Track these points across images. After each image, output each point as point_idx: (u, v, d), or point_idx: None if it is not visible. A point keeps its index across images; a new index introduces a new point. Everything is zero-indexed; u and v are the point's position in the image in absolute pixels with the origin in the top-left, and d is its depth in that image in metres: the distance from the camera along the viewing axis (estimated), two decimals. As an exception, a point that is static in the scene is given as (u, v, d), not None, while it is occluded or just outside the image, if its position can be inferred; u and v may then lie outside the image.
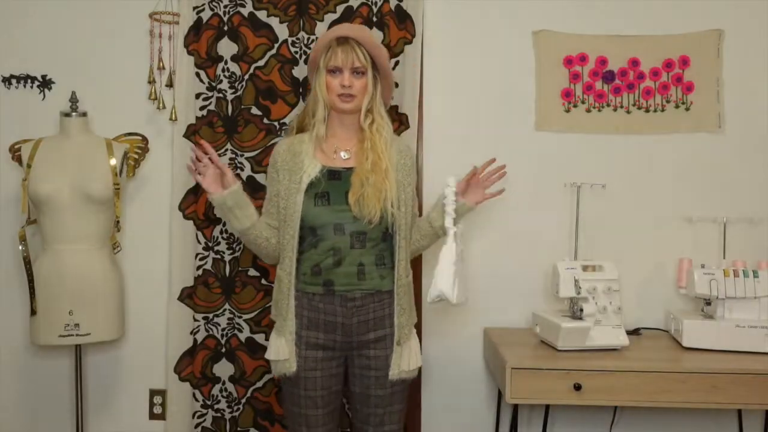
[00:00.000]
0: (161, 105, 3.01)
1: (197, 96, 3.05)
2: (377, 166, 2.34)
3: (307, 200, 2.33)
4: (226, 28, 3.04)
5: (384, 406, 2.39)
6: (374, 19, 3.03)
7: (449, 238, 2.41)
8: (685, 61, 3.09)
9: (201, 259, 3.07)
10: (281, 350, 2.36)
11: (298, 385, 2.36)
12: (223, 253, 3.07)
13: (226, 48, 3.04)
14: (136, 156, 2.96)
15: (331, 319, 2.34)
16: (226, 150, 3.06)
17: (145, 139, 2.99)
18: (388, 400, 2.39)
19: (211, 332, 3.08)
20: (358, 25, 2.76)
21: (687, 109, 3.11)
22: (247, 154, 3.05)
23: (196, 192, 3.06)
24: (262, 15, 3.05)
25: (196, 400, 3.09)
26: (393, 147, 2.42)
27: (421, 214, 2.67)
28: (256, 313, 3.07)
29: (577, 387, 2.59)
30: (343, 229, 2.32)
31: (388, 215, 2.33)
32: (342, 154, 2.40)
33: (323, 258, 2.33)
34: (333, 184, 2.35)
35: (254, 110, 3.05)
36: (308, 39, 3.03)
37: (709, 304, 2.88)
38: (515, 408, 2.90)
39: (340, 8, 3.04)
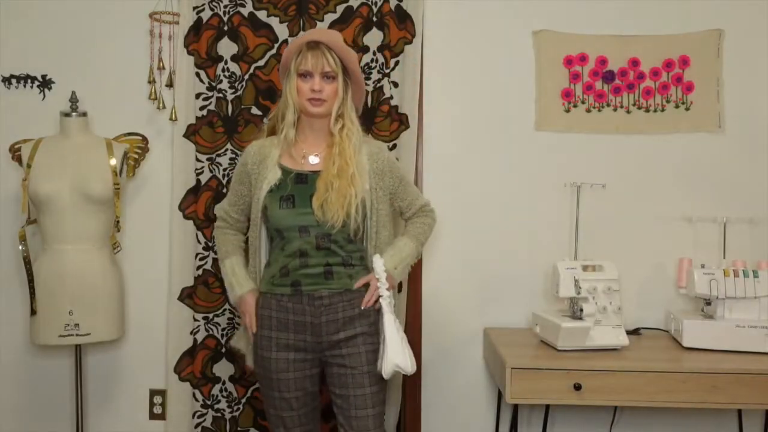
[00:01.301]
0: (161, 105, 3.01)
1: (197, 96, 3.05)
2: (343, 172, 2.35)
3: (273, 203, 2.37)
4: (226, 28, 3.04)
5: (366, 407, 2.36)
6: (374, 19, 3.03)
7: (385, 309, 2.38)
8: (685, 61, 3.09)
9: (201, 259, 3.07)
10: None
11: (272, 387, 2.39)
12: (223, 253, 3.07)
13: (226, 48, 3.04)
14: (136, 156, 2.96)
15: (300, 319, 2.36)
16: (227, 150, 3.06)
17: (145, 139, 2.99)
18: (370, 401, 2.36)
19: (211, 332, 3.08)
20: (329, 29, 2.78)
21: (687, 109, 3.11)
22: (247, 154, 3.05)
23: (196, 192, 3.06)
24: (262, 15, 3.05)
25: (196, 400, 3.09)
26: (363, 152, 2.43)
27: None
28: (256, 313, 3.07)
29: (577, 387, 2.59)
30: (308, 231, 2.36)
31: (351, 221, 2.35)
32: (311, 158, 2.42)
33: (290, 260, 2.37)
34: (299, 187, 2.38)
35: (254, 110, 3.06)
36: (308, 39, 3.03)
37: (709, 304, 2.88)
38: (515, 408, 2.90)
39: (340, 8, 3.04)
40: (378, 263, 2.41)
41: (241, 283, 2.47)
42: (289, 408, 2.39)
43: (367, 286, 2.41)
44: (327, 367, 2.41)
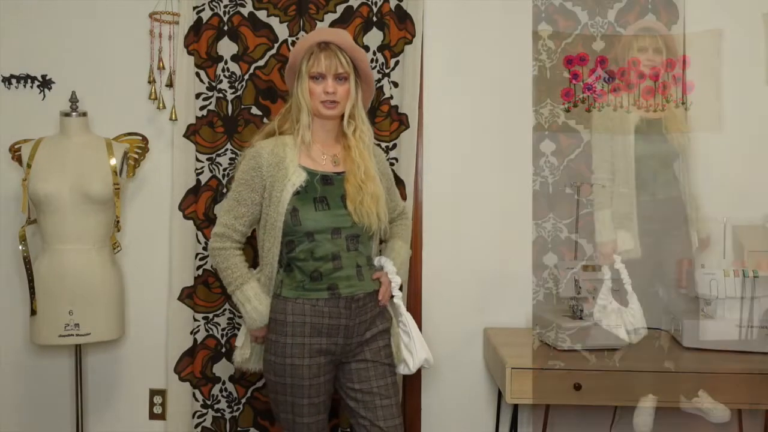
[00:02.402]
0: (161, 105, 3.02)
1: (197, 96, 3.05)
2: (369, 174, 2.37)
3: (306, 205, 2.33)
4: (226, 28, 3.04)
5: (390, 397, 2.41)
6: (374, 18, 3.03)
7: (401, 308, 2.51)
8: (684, 62, 3.09)
9: (201, 259, 3.07)
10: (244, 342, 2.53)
11: (303, 394, 2.34)
12: (223, 253, 3.07)
13: (226, 48, 3.04)
14: (136, 156, 2.96)
15: (335, 322, 2.35)
16: (226, 150, 3.06)
17: (145, 139, 2.99)
18: (392, 390, 2.42)
19: (211, 332, 3.08)
20: (336, 29, 2.77)
21: (687, 109, 3.11)
22: (247, 154, 3.05)
23: (196, 192, 3.06)
24: (262, 15, 3.05)
25: (196, 400, 3.09)
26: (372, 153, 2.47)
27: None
28: (256, 313, 3.08)
29: (577, 387, 2.59)
30: (339, 233, 2.34)
31: (382, 221, 2.40)
32: (331, 159, 2.41)
33: (322, 264, 2.34)
34: (327, 189, 2.37)
35: (254, 110, 3.06)
36: (308, 39, 3.03)
37: (709, 304, 2.87)
38: (515, 408, 2.90)
39: (340, 8, 3.04)
40: (388, 265, 2.47)
41: (264, 313, 2.40)
42: (317, 413, 2.37)
43: (376, 290, 2.46)
44: (344, 365, 2.42)
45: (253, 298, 2.38)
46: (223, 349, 3.09)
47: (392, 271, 2.47)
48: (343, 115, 2.41)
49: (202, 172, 3.06)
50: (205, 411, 3.09)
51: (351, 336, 2.38)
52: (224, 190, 3.05)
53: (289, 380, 2.35)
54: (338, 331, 2.36)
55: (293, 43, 3.03)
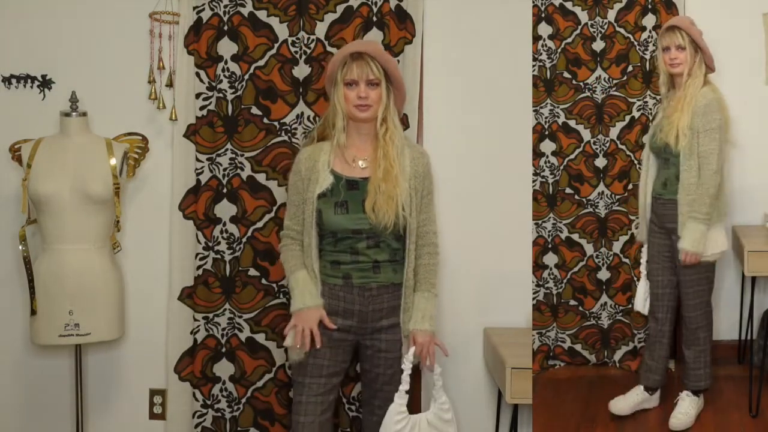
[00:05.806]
0: (161, 105, 3.02)
1: (197, 96, 3.05)
2: (389, 174, 2.52)
3: (328, 209, 2.52)
4: (226, 27, 3.04)
5: (392, 384, 2.54)
6: (374, 18, 3.03)
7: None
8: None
9: (201, 259, 3.07)
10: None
11: (309, 353, 2.48)
12: (223, 253, 3.07)
13: (226, 48, 3.04)
14: (136, 156, 2.96)
15: (349, 306, 2.54)
16: (226, 150, 3.06)
17: (145, 139, 2.99)
18: (397, 379, 2.52)
19: (211, 332, 3.09)
20: (370, 40, 2.92)
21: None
22: (247, 154, 3.05)
23: (196, 192, 3.06)
24: (262, 15, 3.05)
25: (196, 400, 3.09)
26: (406, 155, 2.57)
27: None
28: (256, 312, 3.08)
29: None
30: (361, 232, 2.52)
31: (400, 219, 2.50)
32: (360, 163, 2.56)
33: (342, 255, 2.54)
34: (351, 193, 2.53)
35: (254, 110, 3.06)
36: (308, 39, 3.03)
37: None
38: (515, 408, 2.90)
39: (340, 8, 3.04)
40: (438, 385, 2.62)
41: (313, 294, 2.53)
42: (319, 375, 2.51)
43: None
44: (362, 349, 2.60)
45: (301, 282, 2.54)
46: (223, 349, 3.09)
47: (438, 385, 2.62)
48: (377, 120, 2.55)
49: (202, 172, 3.06)
50: (205, 411, 3.09)
51: (365, 321, 2.55)
52: (224, 190, 3.05)
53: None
54: (352, 314, 2.54)
55: (293, 43, 3.04)
